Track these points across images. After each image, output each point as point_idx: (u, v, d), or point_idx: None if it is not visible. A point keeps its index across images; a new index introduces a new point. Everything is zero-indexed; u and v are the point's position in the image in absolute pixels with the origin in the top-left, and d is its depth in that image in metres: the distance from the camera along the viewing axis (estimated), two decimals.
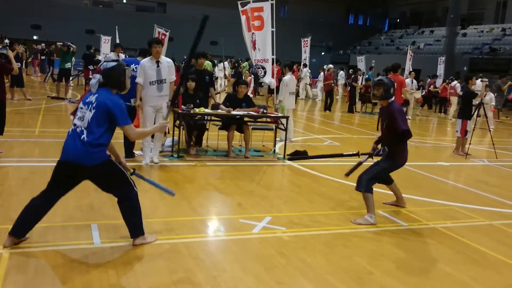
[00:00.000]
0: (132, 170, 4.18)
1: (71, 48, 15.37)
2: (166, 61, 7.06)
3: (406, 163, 5.43)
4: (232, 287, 3.46)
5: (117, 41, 21.44)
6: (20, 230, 3.79)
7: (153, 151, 7.16)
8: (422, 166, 8.24)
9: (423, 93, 21.33)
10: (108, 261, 3.70)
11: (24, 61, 20.81)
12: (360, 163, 5.48)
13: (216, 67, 22.90)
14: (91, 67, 14.91)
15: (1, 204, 4.80)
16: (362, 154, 5.61)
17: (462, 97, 10.11)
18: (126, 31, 27.61)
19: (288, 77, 10.11)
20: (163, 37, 13.83)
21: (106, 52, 20.52)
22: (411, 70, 18.88)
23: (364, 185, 5.09)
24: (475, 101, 10.14)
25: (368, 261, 4.11)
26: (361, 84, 19.12)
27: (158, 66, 6.92)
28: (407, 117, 17.05)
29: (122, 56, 13.52)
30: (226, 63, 24.91)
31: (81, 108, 3.83)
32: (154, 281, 3.45)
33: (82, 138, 3.70)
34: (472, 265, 4.24)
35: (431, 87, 21.33)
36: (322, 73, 22.48)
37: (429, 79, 22.73)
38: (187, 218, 4.88)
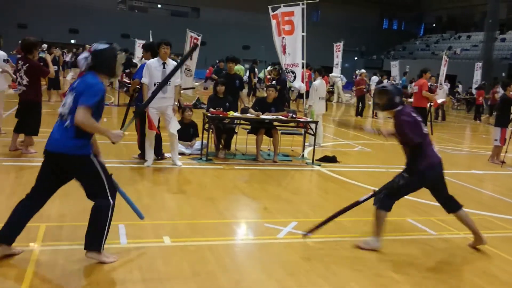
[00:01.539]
0: (110, 173, 3.76)
1: None
2: (172, 64, 6.90)
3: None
4: None
5: None
6: (8, 235, 3.52)
7: (173, 155, 7.20)
8: (455, 174, 8.02)
9: (489, 102, 19.89)
10: (134, 261, 3.76)
11: (61, 64, 21.40)
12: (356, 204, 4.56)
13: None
14: (127, 70, 15.17)
15: None
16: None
17: (500, 104, 9.82)
18: (160, 35, 27.99)
19: (318, 82, 10.06)
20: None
21: (140, 56, 20.89)
22: (440, 76, 18.34)
23: (380, 200, 4.40)
24: None
25: (394, 269, 4.02)
26: None
27: (164, 67, 6.86)
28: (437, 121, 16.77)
29: None
30: (270, 67, 24.88)
31: (67, 94, 3.53)
32: (177, 283, 3.48)
33: (65, 125, 3.41)
34: (505, 277, 4.09)
35: (495, 95, 19.56)
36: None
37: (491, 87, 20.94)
38: (213, 221, 4.90)
